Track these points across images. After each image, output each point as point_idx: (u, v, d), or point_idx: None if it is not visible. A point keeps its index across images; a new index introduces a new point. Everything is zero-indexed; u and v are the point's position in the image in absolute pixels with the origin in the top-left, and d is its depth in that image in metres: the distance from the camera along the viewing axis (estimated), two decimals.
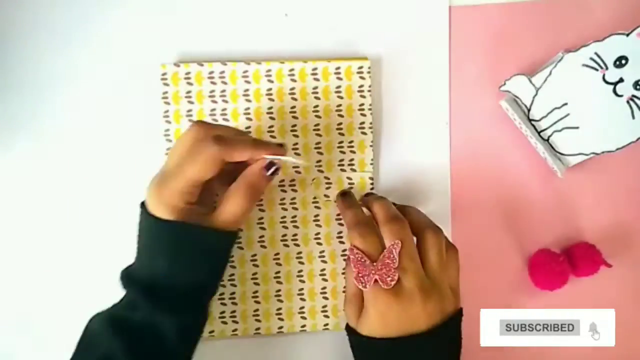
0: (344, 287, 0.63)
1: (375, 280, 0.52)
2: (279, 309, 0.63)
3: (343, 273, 0.63)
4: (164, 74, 0.62)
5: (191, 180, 0.51)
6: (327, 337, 0.64)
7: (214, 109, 0.62)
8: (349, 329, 0.56)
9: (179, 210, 0.52)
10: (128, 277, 0.54)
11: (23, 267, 0.63)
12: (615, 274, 0.64)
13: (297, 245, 0.63)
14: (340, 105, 0.63)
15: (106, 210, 0.63)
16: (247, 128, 0.62)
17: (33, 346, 0.63)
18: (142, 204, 0.53)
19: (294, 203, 0.63)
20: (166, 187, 0.51)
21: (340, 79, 0.63)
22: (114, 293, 0.58)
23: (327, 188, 0.63)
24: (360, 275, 0.52)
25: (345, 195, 0.62)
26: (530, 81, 0.60)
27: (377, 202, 0.57)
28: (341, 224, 0.63)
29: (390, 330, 0.52)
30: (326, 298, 0.64)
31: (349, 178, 0.63)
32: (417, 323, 0.52)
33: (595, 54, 0.57)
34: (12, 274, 0.63)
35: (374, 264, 0.52)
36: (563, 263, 0.62)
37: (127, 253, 0.60)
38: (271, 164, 0.55)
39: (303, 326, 0.64)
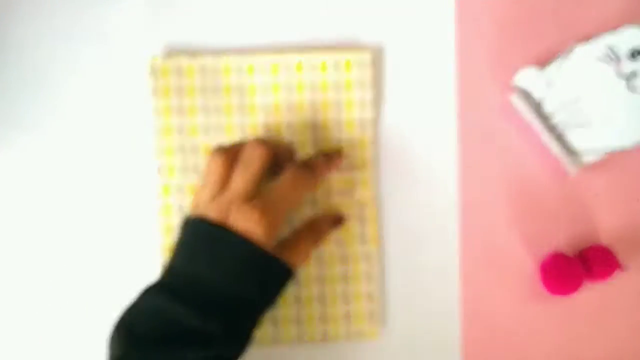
0: (344, 292, 0.61)
1: None
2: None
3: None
4: (154, 66, 0.60)
5: (290, 210, 0.55)
6: (324, 347, 0.62)
7: (206, 104, 0.60)
8: None
9: (274, 240, 0.53)
10: (209, 305, 0.51)
11: (21, 265, 0.62)
12: (631, 277, 0.63)
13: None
14: (339, 99, 0.61)
15: (94, 209, 0.62)
16: (240, 124, 0.60)
17: (32, 345, 0.62)
18: (223, 228, 0.51)
19: None
20: (273, 215, 0.52)
21: (339, 71, 0.60)
22: (112, 289, 0.61)
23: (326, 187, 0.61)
24: None
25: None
26: (542, 74, 0.59)
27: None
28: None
29: None
30: (324, 304, 0.61)
31: (349, 177, 0.61)
32: None
33: (609, 46, 0.56)
34: (10, 272, 0.62)
35: None
36: (576, 267, 0.60)
37: (120, 248, 0.62)
38: (340, 219, 0.61)
39: (300, 334, 0.61)
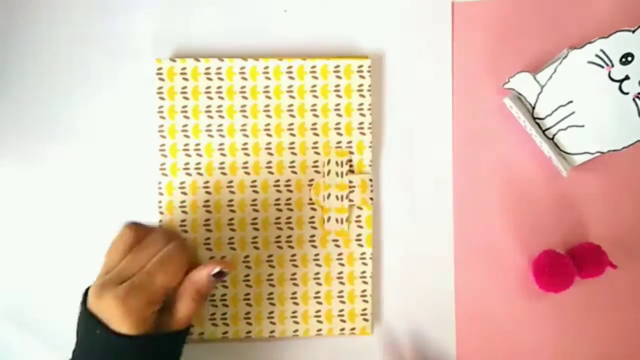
0: (340, 291, 0.62)
1: None
2: (271, 312, 0.61)
3: (340, 278, 0.62)
4: (160, 68, 0.61)
5: (163, 289, 0.52)
6: (319, 342, 0.63)
7: (209, 106, 0.61)
8: None
9: (145, 321, 0.51)
10: None
11: (21, 265, 0.62)
12: (621, 275, 0.63)
13: (292, 247, 0.62)
14: (339, 104, 0.62)
15: (99, 206, 0.62)
16: (242, 126, 0.61)
17: (31, 344, 0.62)
18: (88, 314, 0.50)
19: (289, 204, 0.62)
20: (135, 299, 0.50)
21: (339, 77, 0.61)
22: None
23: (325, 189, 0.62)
24: None
25: None
26: (535, 78, 0.59)
27: None
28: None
29: None
30: (320, 303, 0.62)
31: (349, 180, 0.62)
32: None
33: (601, 50, 0.57)
34: (11, 273, 0.62)
35: None
36: (568, 264, 0.60)
37: None
38: (220, 272, 0.55)
39: (295, 331, 0.62)
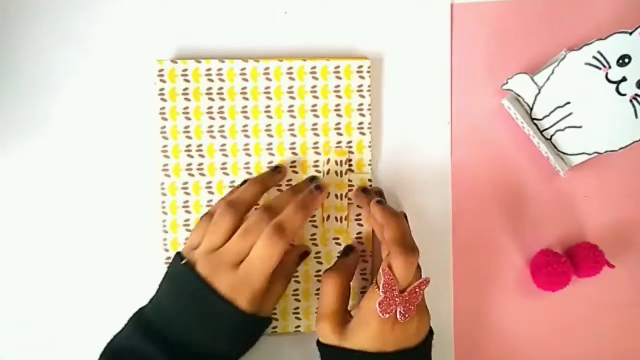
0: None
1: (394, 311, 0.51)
2: (274, 308, 0.62)
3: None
4: (161, 70, 0.61)
5: (271, 269, 0.54)
6: None
7: (210, 107, 0.62)
8: (325, 345, 0.54)
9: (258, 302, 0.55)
10: (180, 351, 0.52)
11: (21, 267, 0.62)
12: (618, 274, 0.64)
13: (293, 245, 0.62)
14: (339, 104, 0.62)
15: (102, 207, 0.62)
16: (244, 127, 0.62)
17: (31, 346, 0.63)
18: (208, 289, 0.52)
19: None
20: (257, 284, 0.53)
21: (339, 78, 0.62)
22: (112, 291, 0.62)
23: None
24: (385, 302, 0.51)
25: (382, 201, 0.58)
26: (533, 80, 0.59)
27: (393, 219, 0.55)
28: (339, 225, 0.63)
29: (387, 345, 0.52)
30: None
31: (348, 179, 0.62)
32: (409, 340, 0.53)
33: (598, 52, 0.57)
34: (11, 275, 0.63)
35: (402, 294, 0.51)
36: (565, 264, 0.61)
37: (123, 252, 0.63)
38: (305, 253, 0.62)
39: (297, 326, 0.63)
